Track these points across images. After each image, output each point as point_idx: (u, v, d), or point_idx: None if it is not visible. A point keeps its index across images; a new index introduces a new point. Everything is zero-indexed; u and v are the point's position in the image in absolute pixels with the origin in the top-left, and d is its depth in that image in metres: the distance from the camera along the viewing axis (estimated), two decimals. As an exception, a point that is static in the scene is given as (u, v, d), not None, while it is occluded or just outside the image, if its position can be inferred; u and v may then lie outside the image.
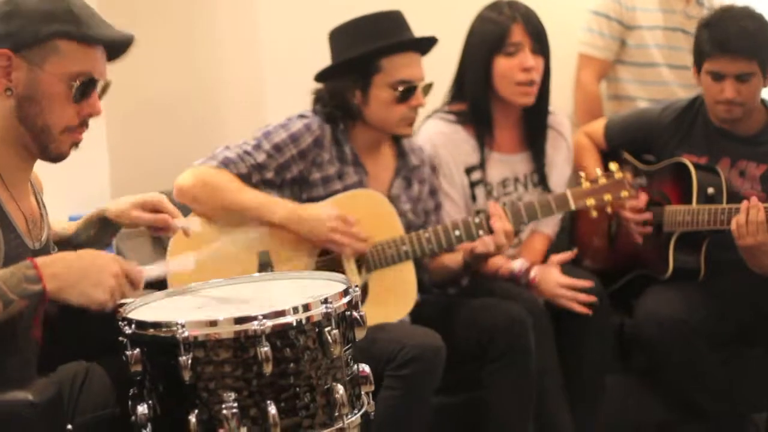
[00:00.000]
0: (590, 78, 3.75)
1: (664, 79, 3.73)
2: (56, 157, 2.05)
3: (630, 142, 3.35)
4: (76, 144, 2.06)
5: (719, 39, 3.02)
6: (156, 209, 2.30)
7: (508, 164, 3.19)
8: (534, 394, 2.90)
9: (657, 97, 3.59)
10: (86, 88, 2.01)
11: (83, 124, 2.05)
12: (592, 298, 3.03)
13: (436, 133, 3.12)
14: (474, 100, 3.14)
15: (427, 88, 2.88)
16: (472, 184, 3.16)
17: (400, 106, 2.82)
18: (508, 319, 2.85)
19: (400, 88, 2.80)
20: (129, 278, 1.96)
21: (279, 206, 2.75)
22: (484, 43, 3.10)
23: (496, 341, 2.82)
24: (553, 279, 3.05)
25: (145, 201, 2.30)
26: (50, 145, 2.02)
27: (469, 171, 3.15)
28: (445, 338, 2.68)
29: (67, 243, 2.32)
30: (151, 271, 2.10)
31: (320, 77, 2.90)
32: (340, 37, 2.88)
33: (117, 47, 2.07)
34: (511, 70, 3.06)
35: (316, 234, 2.73)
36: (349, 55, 2.83)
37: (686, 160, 3.13)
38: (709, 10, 3.69)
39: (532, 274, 3.07)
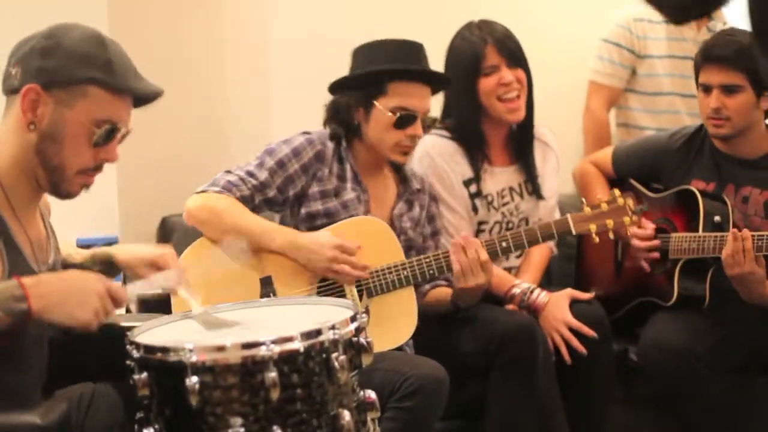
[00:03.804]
0: (600, 105, 3.78)
1: (674, 108, 3.75)
2: (65, 196, 2.08)
3: (638, 169, 3.35)
4: (86, 186, 2.08)
5: (706, 48, 3.09)
6: (163, 268, 2.32)
7: (503, 175, 3.23)
8: (538, 409, 2.89)
9: (666, 126, 3.60)
10: (108, 135, 2.04)
11: (97, 168, 2.08)
12: (582, 350, 3.00)
13: (432, 147, 3.15)
14: (462, 121, 3.19)
15: (430, 121, 2.92)
16: (472, 196, 3.18)
17: (396, 132, 2.84)
18: (517, 327, 2.86)
19: (398, 114, 2.82)
20: (113, 296, 1.96)
21: (279, 234, 2.76)
22: (464, 68, 3.15)
23: (504, 350, 2.82)
24: (561, 314, 3.03)
25: (153, 260, 2.32)
26: (62, 184, 2.05)
27: (467, 183, 3.18)
28: (450, 354, 2.67)
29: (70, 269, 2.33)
30: (134, 288, 2.11)
31: (332, 88, 2.92)
32: (360, 53, 2.92)
33: (146, 99, 2.11)
34: (493, 88, 3.12)
35: (315, 263, 2.73)
36: (359, 72, 2.87)
37: (693, 188, 3.14)
38: None
39: (542, 297, 3.05)
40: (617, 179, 3.40)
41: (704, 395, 3.04)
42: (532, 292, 3.08)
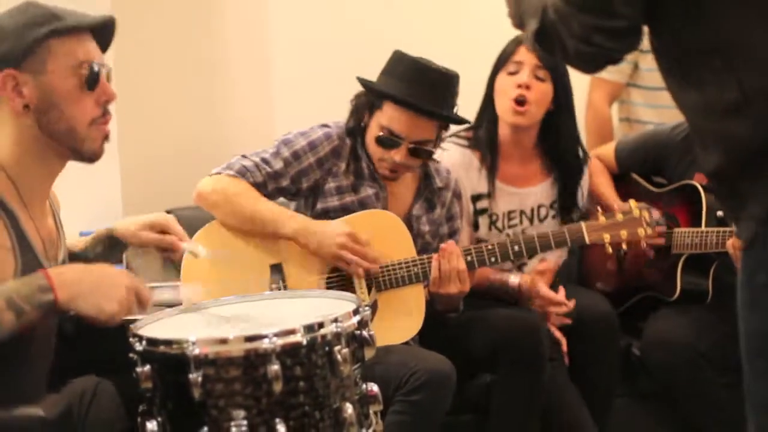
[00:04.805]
0: (601, 100, 3.77)
1: (677, 103, 3.74)
2: (92, 156, 2.06)
3: (641, 163, 3.35)
4: (106, 137, 2.07)
5: None
6: (164, 230, 2.32)
7: (517, 197, 3.16)
8: (540, 407, 2.90)
9: (668, 121, 3.60)
10: (94, 74, 2.02)
11: (105, 113, 2.06)
12: (566, 321, 3.00)
13: (449, 157, 3.08)
14: (479, 123, 3.12)
15: (421, 152, 2.82)
16: (477, 212, 3.13)
17: (378, 149, 2.81)
18: (524, 325, 2.86)
19: (381, 134, 2.79)
20: (138, 296, 1.98)
21: (291, 219, 2.76)
22: (494, 67, 3.10)
23: (510, 348, 2.82)
24: (541, 293, 3.01)
25: (153, 222, 2.32)
26: (82, 145, 2.03)
27: (475, 199, 3.13)
28: (458, 351, 2.68)
29: (75, 259, 2.34)
30: (161, 293, 2.11)
31: (360, 81, 2.88)
32: (393, 59, 2.85)
33: (103, 33, 2.09)
34: (507, 86, 3.04)
35: (325, 250, 2.73)
36: (371, 84, 2.83)
37: (696, 183, 3.14)
38: None
39: (518, 281, 3.05)
40: (620, 174, 3.40)
41: (706, 391, 3.04)
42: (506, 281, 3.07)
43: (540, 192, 3.17)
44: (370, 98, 2.83)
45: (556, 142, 3.12)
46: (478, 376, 2.94)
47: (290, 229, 2.74)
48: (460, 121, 2.89)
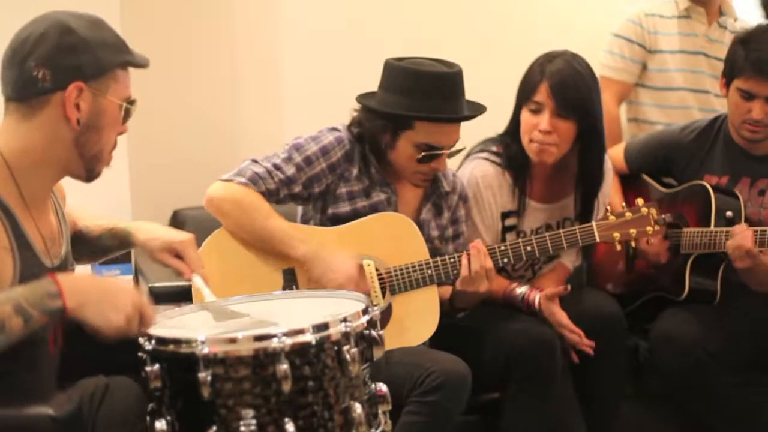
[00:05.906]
0: (610, 100, 3.75)
1: (685, 103, 3.74)
2: (95, 177, 2.11)
3: (651, 163, 3.35)
4: (108, 163, 2.12)
5: (756, 59, 3.01)
6: (180, 255, 2.33)
7: (544, 212, 3.12)
8: (554, 421, 2.90)
9: (676, 122, 3.60)
10: (130, 109, 2.09)
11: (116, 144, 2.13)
12: (590, 346, 2.96)
13: (483, 176, 3.04)
14: (509, 143, 3.06)
15: (456, 153, 2.84)
16: (505, 229, 3.09)
17: (418, 165, 2.79)
18: (537, 341, 2.84)
19: (423, 153, 2.76)
20: (142, 315, 1.97)
21: (301, 243, 2.72)
22: (519, 93, 3.02)
23: (522, 363, 2.82)
24: (556, 319, 2.97)
25: (172, 246, 2.33)
26: (97, 167, 2.09)
27: (504, 216, 3.09)
28: (469, 360, 2.67)
29: (88, 243, 2.36)
30: (162, 317, 2.12)
31: (360, 100, 2.85)
32: (392, 75, 2.81)
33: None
34: (529, 126, 2.96)
35: (325, 283, 2.67)
36: (387, 109, 2.77)
37: (706, 183, 3.14)
38: (731, 32, 3.70)
39: (535, 299, 2.99)
40: (630, 174, 3.40)
41: (714, 391, 3.04)
42: (525, 296, 3.03)
43: (566, 206, 3.13)
44: (391, 123, 2.77)
45: (585, 161, 3.04)
46: (486, 383, 2.91)
47: (300, 252, 2.71)
48: (483, 110, 2.84)
